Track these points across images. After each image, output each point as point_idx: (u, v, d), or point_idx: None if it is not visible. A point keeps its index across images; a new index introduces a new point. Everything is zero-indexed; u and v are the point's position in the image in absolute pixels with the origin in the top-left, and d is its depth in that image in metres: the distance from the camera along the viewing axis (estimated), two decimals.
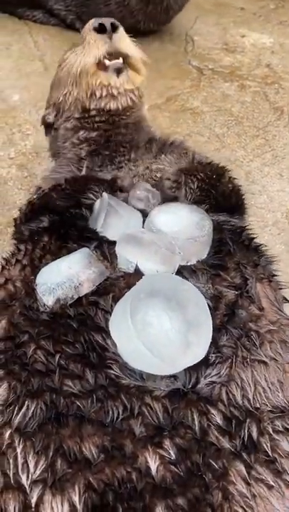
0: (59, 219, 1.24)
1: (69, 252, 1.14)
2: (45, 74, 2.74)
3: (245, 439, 0.87)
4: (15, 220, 1.42)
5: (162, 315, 0.87)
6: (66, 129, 1.58)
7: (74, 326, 0.97)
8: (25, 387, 0.89)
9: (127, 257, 1.05)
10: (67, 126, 1.58)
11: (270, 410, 0.92)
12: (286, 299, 1.14)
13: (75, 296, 1.02)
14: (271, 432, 0.89)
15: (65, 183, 1.35)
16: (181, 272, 1.05)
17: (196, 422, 0.87)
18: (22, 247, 1.23)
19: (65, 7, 3.01)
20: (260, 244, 1.23)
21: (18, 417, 0.85)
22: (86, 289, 1.03)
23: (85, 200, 1.27)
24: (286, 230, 1.98)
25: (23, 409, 0.85)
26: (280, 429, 0.90)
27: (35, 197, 1.41)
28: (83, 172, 1.45)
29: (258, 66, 2.84)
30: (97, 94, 1.48)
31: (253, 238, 1.24)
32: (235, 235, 1.18)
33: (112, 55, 1.46)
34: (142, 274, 1.02)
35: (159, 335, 0.86)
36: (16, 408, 0.86)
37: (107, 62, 1.45)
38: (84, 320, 0.98)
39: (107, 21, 1.47)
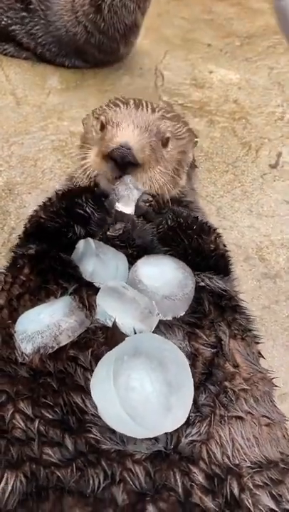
0: (45, 248, 1.24)
1: (48, 293, 1.13)
2: (17, 108, 2.74)
3: (228, 497, 0.88)
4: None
5: (145, 377, 0.88)
6: None
7: (54, 385, 0.96)
8: (5, 457, 0.87)
9: (107, 310, 1.06)
10: None
11: (248, 466, 0.93)
12: (260, 354, 1.17)
13: (55, 346, 1.01)
14: (252, 487, 0.90)
15: (55, 198, 1.34)
16: (157, 326, 1.05)
17: (179, 483, 0.87)
18: (2, 277, 1.22)
19: (35, 42, 3.02)
20: (238, 305, 1.24)
21: None
22: (66, 338, 1.02)
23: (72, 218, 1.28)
24: (257, 266, 2.03)
25: (2, 484, 0.83)
26: (260, 483, 0.91)
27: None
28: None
29: (226, 102, 2.93)
30: None
31: (232, 298, 1.25)
32: (215, 297, 1.19)
33: None
34: (120, 330, 1.02)
35: (142, 399, 0.86)
36: None
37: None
38: (63, 378, 0.97)
39: (125, 161, 1.33)
